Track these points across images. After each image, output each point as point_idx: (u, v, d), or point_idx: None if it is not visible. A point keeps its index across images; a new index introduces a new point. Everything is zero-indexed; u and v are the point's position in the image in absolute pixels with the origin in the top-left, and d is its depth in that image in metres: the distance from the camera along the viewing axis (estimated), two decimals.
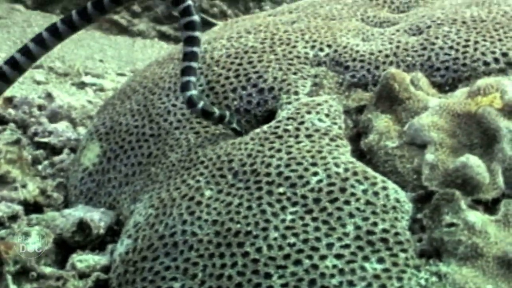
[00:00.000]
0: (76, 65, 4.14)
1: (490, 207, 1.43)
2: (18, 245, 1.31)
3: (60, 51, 4.41)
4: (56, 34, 1.70)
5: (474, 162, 1.43)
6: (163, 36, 5.46)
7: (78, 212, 1.76)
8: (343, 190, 1.45)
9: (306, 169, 1.50)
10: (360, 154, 1.61)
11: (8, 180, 1.71)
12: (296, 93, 1.77)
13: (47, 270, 1.34)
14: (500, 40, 1.74)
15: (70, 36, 1.73)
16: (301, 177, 1.49)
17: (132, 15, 5.48)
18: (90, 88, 3.84)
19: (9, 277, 1.19)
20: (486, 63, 1.71)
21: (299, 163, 1.52)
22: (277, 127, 1.65)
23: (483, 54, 1.73)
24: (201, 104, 1.66)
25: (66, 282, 1.27)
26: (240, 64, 1.89)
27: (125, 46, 4.97)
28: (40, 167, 2.21)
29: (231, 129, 1.73)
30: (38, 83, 3.67)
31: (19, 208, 1.67)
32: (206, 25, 5.95)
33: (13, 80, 1.67)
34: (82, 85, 3.84)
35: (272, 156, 1.57)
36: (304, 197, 1.46)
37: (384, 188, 1.45)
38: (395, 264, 1.33)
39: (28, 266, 1.23)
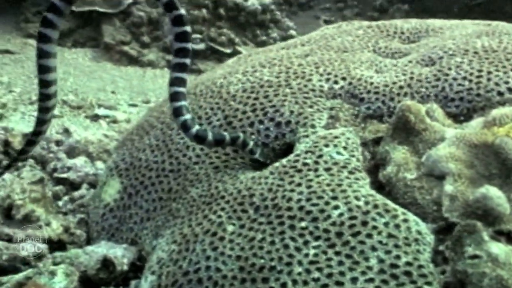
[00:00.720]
0: (89, 98, 4.20)
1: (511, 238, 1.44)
2: (46, 285, 1.33)
3: (73, 84, 4.49)
4: None
5: (494, 193, 1.44)
6: None
7: (101, 249, 1.78)
8: (364, 223, 1.47)
9: (327, 203, 1.52)
10: (379, 186, 1.63)
11: (33, 218, 1.73)
12: (313, 126, 1.80)
13: None
14: None
15: None
16: (322, 211, 1.51)
17: (141, 46, 5.58)
18: (103, 120, 3.89)
19: None
20: (500, 93, 1.74)
21: (319, 197, 1.54)
22: (296, 160, 1.68)
23: (496, 84, 1.75)
24: (195, 129, 1.66)
25: None
26: (256, 99, 1.92)
27: (136, 76, 5.04)
28: (60, 203, 2.25)
29: (254, 160, 1.75)
30: (53, 117, 3.72)
31: (44, 247, 1.70)
32: (215, 53, 6.03)
33: None
34: (95, 118, 3.89)
35: (292, 190, 1.59)
36: (326, 231, 1.47)
37: (405, 221, 1.47)
38: None
39: None
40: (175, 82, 1.65)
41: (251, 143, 1.74)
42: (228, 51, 5.65)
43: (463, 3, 6.48)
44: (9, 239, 1.70)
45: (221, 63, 5.87)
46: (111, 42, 5.47)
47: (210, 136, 1.68)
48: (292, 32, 6.04)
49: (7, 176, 2.33)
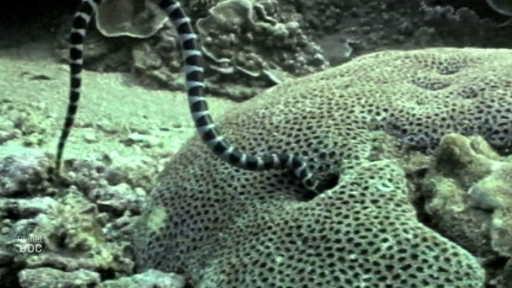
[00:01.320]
0: (122, 122, 4.29)
1: None
2: None
3: (106, 109, 4.59)
4: None
5: None
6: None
7: (149, 277, 1.82)
8: (414, 256, 1.49)
9: (375, 236, 1.55)
10: (425, 218, 1.65)
11: (85, 247, 1.78)
12: (357, 157, 1.83)
13: None
14: None
15: None
16: (371, 243, 1.54)
17: (171, 70, 5.68)
18: (137, 144, 3.97)
19: None
20: None
21: (368, 229, 1.57)
22: (342, 192, 1.71)
23: None
24: (230, 149, 1.75)
25: None
26: (299, 129, 1.96)
27: (166, 101, 5.13)
28: (104, 230, 2.30)
29: (310, 190, 1.79)
30: (89, 141, 3.82)
31: (96, 275, 1.74)
32: (243, 77, 6.12)
33: None
34: (129, 142, 3.97)
35: (340, 222, 1.62)
36: (376, 264, 1.50)
37: (455, 254, 1.49)
38: None
39: None
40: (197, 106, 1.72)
41: (310, 174, 1.80)
42: (255, 74, 5.72)
43: (488, 26, 6.48)
44: (63, 268, 1.75)
45: (249, 87, 5.95)
46: (142, 66, 5.58)
47: (260, 161, 1.78)
48: (319, 55, 6.09)
49: (53, 203, 2.40)
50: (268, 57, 5.90)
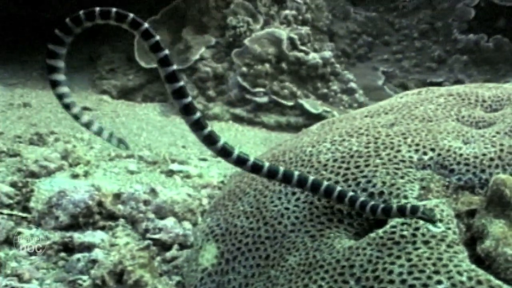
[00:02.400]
0: (162, 153, 4.40)
1: None
2: None
3: (146, 140, 4.71)
4: None
5: None
6: (237, 119, 5.73)
7: None
8: None
9: (429, 277, 1.58)
10: (476, 259, 1.67)
11: (142, 284, 1.85)
12: (405, 197, 1.87)
13: None
14: None
15: None
16: (425, 285, 1.57)
17: (207, 100, 5.80)
18: (177, 175, 4.06)
19: None
20: None
21: (421, 271, 1.60)
22: (393, 232, 1.75)
23: None
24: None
25: None
26: (348, 169, 2.01)
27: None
28: (156, 263, 2.37)
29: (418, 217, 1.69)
30: (132, 173, 3.92)
31: None
32: (277, 106, 6.18)
33: None
34: (170, 173, 4.06)
35: (393, 263, 1.65)
36: None
37: None
38: None
39: None
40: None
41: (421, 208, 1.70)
42: (290, 103, 5.80)
43: None
44: None
45: (284, 116, 5.99)
46: None
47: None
48: (352, 84, 6.15)
49: (105, 236, 2.49)
50: (302, 86, 5.98)
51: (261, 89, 5.77)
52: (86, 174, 3.68)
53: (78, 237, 2.38)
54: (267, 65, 5.82)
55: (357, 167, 2.01)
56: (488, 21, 6.65)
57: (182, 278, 2.21)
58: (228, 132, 5.32)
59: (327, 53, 6.15)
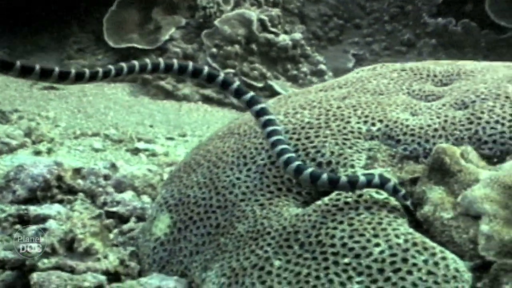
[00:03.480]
0: (129, 132, 4.40)
1: None
2: None
3: (113, 119, 4.70)
4: None
5: None
6: (207, 99, 5.74)
7: (154, 280, 1.91)
8: (405, 260, 1.57)
9: (368, 240, 1.63)
10: (416, 224, 1.73)
11: (93, 252, 1.87)
12: (352, 166, 1.92)
13: None
14: None
15: None
16: (364, 248, 1.62)
17: (177, 81, 5.79)
18: (143, 153, 4.07)
19: None
20: None
21: (361, 235, 1.65)
22: (338, 199, 1.79)
23: None
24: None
25: None
26: (298, 139, 2.05)
27: (172, 110, 5.24)
28: (111, 235, 2.39)
29: (404, 205, 1.73)
30: (96, 150, 3.92)
31: (103, 278, 1.83)
32: (247, 87, 6.23)
33: None
34: (136, 151, 4.07)
35: (335, 228, 1.70)
36: (368, 267, 1.58)
37: (444, 258, 1.57)
38: None
39: None
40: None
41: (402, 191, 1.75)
42: (260, 85, 5.82)
43: (490, 38, 6.56)
44: (72, 271, 1.84)
45: None
46: (148, 77, 5.69)
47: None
48: (322, 66, 6.19)
49: (62, 209, 2.49)
50: (272, 68, 6.00)
51: (231, 70, 5.78)
52: (49, 151, 3.67)
53: (34, 209, 2.37)
54: (237, 46, 5.82)
55: (308, 138, 2.05)
56: (456, 5, 6.73)
57: (137, 248, 2.23)
58: (197, 113, 5.32)
59: (297, 35, 6.18)
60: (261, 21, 5.99)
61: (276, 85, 5.84)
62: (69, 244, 1.88)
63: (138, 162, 3.88)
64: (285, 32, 6.26)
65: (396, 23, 7.03)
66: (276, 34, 6.02)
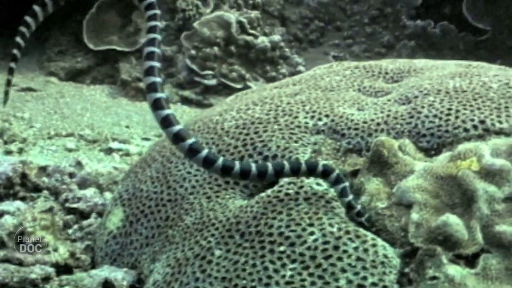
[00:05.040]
0: (104, 132, 4.44)
1: (470, 261, 1.58)
2: None
3: (89, 119, 4.73)
4: None
5: (453, 220, 1.59)
6: (186, 101, 5.79)
7: (103, 272, 1.95)
8: (336, 247, 1.62)
9: (304, 229, 1.68)
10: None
11: (42, 245, 1.92)
12: (297, 159, 1.97)
13: None
14: (478, 108, 1.93)
15: None
16: (299, 236, 1.67)
17: None
18: (116, 153, 4.11)
19: None
20: (466, 130, 1.89)
21: (297, 224, 1.70)
22: (279, 191, 1.84)
23: (463, 121, 1.91)
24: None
25: None
26: (247, 134, 2.10)
27: (150, 112, 5.26)
28: (70, 231, 2.43)
29: (358, 222, 1.70)
30: (70, 150, 3.96)
31: (51, 270, 1.87)
32: (226, 88, 6.27)
33: None
34: (109, 151, 4.11)
35: (274, 218, 1.75)
36: (302, 254, 1.63)
37: (374, 245, 1.62)
38: None
39: None
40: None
41: (359, 206, 1.72)
42: (239, 86, 5.87)
43: (468, 40, 6.65)
44: (20, 263, 1.88)
45: None
46: (128, 79, 5.74)
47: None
48: (301, 68, 6.25)
49: (22, 206, 2.53)
50: (251, 70, 6.06)
51: (210, 72, 5.83)
52: (20, 151, 3.70)
53: None
54: (216, 48, 5.87)
55: (256, 132, 2.10)
56: (434, 8, 6.82)
57: (93, 242, 2.28)
58: (177, 114, 5.36)
59: (276, 37, 6.23)
60: (240, 23, 6.04)
61: (254, 86, 5.89)
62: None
63: (111, 161, 3.92)
64: (265, 34, 6.32)
65: (376, 25, 7.11)
66: (255, 36, 6.08)
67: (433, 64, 2.44)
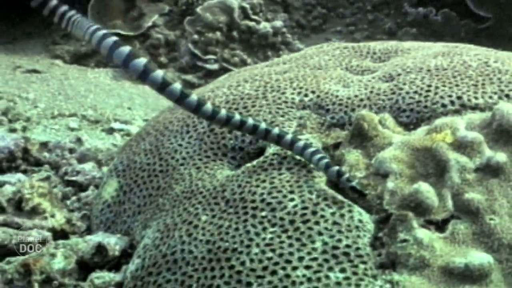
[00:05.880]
0: (107, 113, 4.54)
1: (441, 227, 1.67)
2: (44, 260, 1.61)
3: (92, 101, 4.84)
4: None
5: (425, 188, 1.68)
6: (188, 84, 5.88)
7: (97, 237, 2.06)
8: (314, 213, 1.71)
9: (284, 196, 1.78)
10: (335, 184, 1.87)
11: (39, 211, 2.02)
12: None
13: (67, 281, 1.63)
14: (457, 85, 2.01)
15: None
16: (280, 202, 1.76)
17: (159, 66, 5.93)
18: (118, 133, 4.21)
19: (36, 285, 1.49)
20: (443, 105, 1.97)
21: (279, 191, 1.80)
22: (264, 161, 1.94)
23: (441, 97, 1.99)
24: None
25: None
26: (236, 109, 2.20)
27: (152, 94, 5.37)
28: (68, 202, 2.54)
29: (350, 187, 1.76)
30: (72, 129, 4.06)
31: (48, 234, 1.98)
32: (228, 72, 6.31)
33: None
34: (111, 131, 4.21)
35: (257, 186, 1.85)
36: (281, 219, 1.72)
37: (350, 211, 1.71)
38: (355, 274, 1.58)
39: (51, 276, 1.52)
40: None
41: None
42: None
43: (469, 27, 6.68)
44: (18, 227, 1.99)
45: None
46: None
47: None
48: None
49: (23, 178, 2.64)
50: (253, 55, 6.13)
51: (212, 57, 5.91)
52: (24, 130, 3.81)
53: None
54: (218, 33, 5.95)
55: (245, 107, 2.19)
56: None
57: (90, 212, 2.38)
58: None
59: (278, 23, 6.30)
60: (242, 9, 6.11)
61: None
62: (18, 204, 2.03)
63: (112, 141, 4.02)
64: (267, 20, 6.39)
65: (378, 12, 7.15)
66: (257, 22, 6.15)
67: (420, 45, 2.52)
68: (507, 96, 1.96)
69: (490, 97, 1.96)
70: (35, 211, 2.02)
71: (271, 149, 2.00)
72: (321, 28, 7.20)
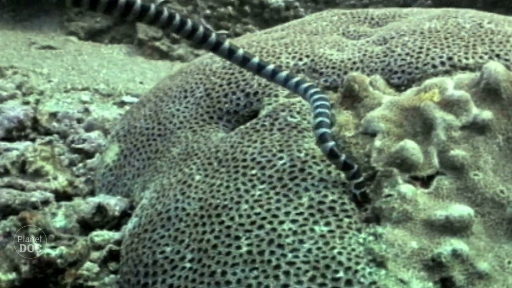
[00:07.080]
0: (119, 87, 4.62)
1: (426, 183, 1.70)
2: (40, 214, 1.69)
3: (105, 75, 4.92)
4: None
5: (410, 145, 1.70)
6: None
7: (98, 198, 2.14)
8: (302, 170, 1.76)
9: (274, 155, 1.82)
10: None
11: (42, 173, 2.10)
12: (276, 95, 2.10)
13: (63, 235, 1.71)
14: (448, 47, 2.02)
15: None
16: (269, 161, 1.81)
17: (171, 42, 5.98)
18: (128, 106, 4.28)
19: (32, 237, 1.56)
20: (434, 66, 1.98)
21: (269, 150, 1.84)
22: (256, 123, 1.98)
23: (432, 58, 2.00)
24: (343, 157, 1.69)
25: (76, 241, 1.63)
26: (232, 74, 2.24)
27: (164, 69, 5.43)
28: (74, 168, 2.63)
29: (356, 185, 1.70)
30: (84, 102, 4.14)
31: (50, 195, 2.06)
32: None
33: None
34: (122, 104, 4.29)
35: (249, 146, 1.89)
36: (270, 176, 1.77)
37: None
38: (339, 227, 1.62)
39: (48, 229, 1.60)
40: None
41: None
42: None
43: None
44: (22, 189, 2.08)
45: None
46: (144, 38, 5.89)
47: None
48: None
49: (31, 145, 2.73)
50: (265, 29, 6.13)
51: (224, 31, 5.93)
52: (37, 102, 3.90)
53: (4, 144, 2.62)
54: (230, 8, 5.96)
55: (240, 72, 2.23)
56: None
57: (93, 176, 2.46)
58: None
59: None
60: None
61: None
62: (22, 166, 2.11)
63: (120, 111, 4.10)
64: None
65: None
66: None
67: (418, 10, 2.51)
68: (497, 56, 1.96)
69: (481, 57, 1.96)
70: (38, 174, 2.10)
71: (264, 111, 2.04)
72: (334, 2, 7.14)
